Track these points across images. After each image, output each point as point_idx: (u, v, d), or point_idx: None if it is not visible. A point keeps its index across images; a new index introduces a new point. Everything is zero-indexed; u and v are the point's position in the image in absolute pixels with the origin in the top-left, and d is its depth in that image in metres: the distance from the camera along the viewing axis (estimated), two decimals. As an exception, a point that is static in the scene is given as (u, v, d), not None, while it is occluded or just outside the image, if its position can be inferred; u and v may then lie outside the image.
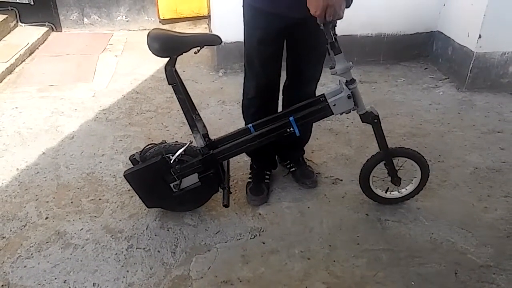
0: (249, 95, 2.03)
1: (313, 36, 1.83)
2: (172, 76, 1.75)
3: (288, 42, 1.92)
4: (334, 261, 1.82)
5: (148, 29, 1.71)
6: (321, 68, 2.02)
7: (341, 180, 2.31)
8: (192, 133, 1.87)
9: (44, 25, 4.53)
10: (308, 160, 2.42)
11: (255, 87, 1.99)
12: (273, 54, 1.90)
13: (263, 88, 1.99)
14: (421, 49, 3.78)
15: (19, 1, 4.38)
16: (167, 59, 1.73)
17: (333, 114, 1.82)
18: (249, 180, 2.24)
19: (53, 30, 4.61)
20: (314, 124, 2.68)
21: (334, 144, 2.63)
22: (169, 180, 1.92)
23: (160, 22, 4.73)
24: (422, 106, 3.08)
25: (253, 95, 2.01)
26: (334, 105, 1.80)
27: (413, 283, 1.72)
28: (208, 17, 4.67)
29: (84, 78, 3.58)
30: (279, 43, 1.90)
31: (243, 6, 1.87)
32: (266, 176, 2.26)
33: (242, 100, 2.11)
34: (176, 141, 2.02)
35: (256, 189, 2.18)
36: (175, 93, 1.80)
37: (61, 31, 4.65)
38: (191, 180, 1.94)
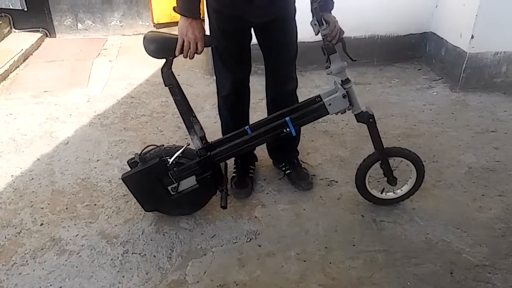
0: (223, 93, 2.10)
1: (283, 36, 1.95)
2: (168, 78, 1.76)
3: (259, 41, 2.00)
4: (330, 263, 1.83)
5: (142, 34, 1.73)
6: (295, 68, 2.09)
7: (337, 182, 2.31)
8: (189, 134, 1.88)
9: (38, 31, 4.53)
10: (304, 162, 2.42)
11: (229, 83, 2.05)
12: (238, 50, 1.98)
13: (235, 83, 2.06)
14: (414, 50, 3.80)
15: (12, 7, 4.37)
16: (163, 62, 1.75)
17: (328, 113, 1.85)
18: (234, 174, 2.29)
19: (47, 36, 4.60)
20: (309, 127, 2.70)
21: (329, 146, 2.63)
22: (167, 183, 1.92)
23: (154, 26, 4.73)
24: (416, 107, 3.10)
25: (227, 92, 2.08)
26: (330, 104, 1.83)
27: (409, 283, 1.73)
28: (202, 21, 4.67)
29: (79, 84, 3.57)
30: (239, 40, 1.96)
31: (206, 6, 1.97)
32: (250, 170, 2.31)
33: (217, 100, 2.19)
34: (175, 144, 2.02)
35: (241, 182, 2.23)
36: (172, 95, 1.81)
37: (55, 37, 4.65)
38: (189, 182, 1.94)
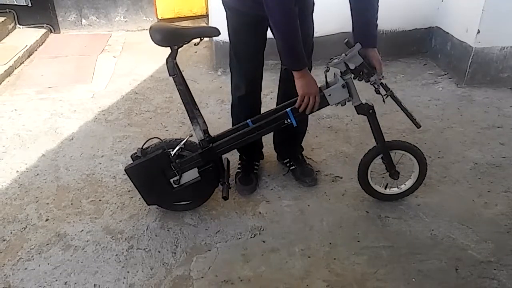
0: (239, 93, 2.09)
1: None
2: (172, 68, 1.79)
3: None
4: (334, 259, 1.82)
5: (146, 29, 1.74)
6: (311, 63, 2.06)
7: (341, 178, 2.31)
8: (192, 125, 1.89)
9: (42, 26, 4.52)
10: (308, 158, 2.42)
11: (244, 83, 2.05)
12: (256, 48, 1.98)
13: (251, 83, 2.06)
14: (420, 45, 3.77)
15: (17, 3, 4.37)
16: (167, 56, 1.76)
17: (329, 104, 1.86)
18: (238, 170, 2.29)
19: (51, 32, 4.60)
20: (313, 122, 2.70)
21: (333, 142, 2.62)
22: (169, 175, 1.93)
23: (158, 22, 4.72)
24: (421, 102, 3.08)
25: (243, 93, 2.07)
26: (330, 95, 1.84)
27: (414, 279, 1.72)
28: (206, 16, 4.67)
29: (83, 79, 3.57)
30: (256, 37, 1.95)
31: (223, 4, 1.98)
32: (255, 167, 2.30)
33: (232, 102, 2.17)
34: (176, 138, 2.02)
35: (246, 179, 2.23)
36: (176, 85, 1.83)
37: (59, 33, 4.64)
38: (191, 175, 1.95)
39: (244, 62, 2.01)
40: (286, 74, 2.11)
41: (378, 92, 1.84)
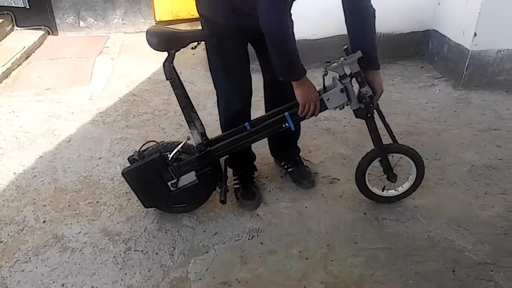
0: (234, 108, 1.99)
1: None
2: (170, 72, 1.78)
3: (254, 46, 1.95)
4: (332, 260, 1.83)
5: (144, 31, 1.73)
6: None
7: (339, 180, 2.31)
8: (190, 129, 1.89)
9: (40, 28, 4.53)
10: (305, 160, 2.42)
11: (240, 97, 1.98)
12: (244, 60, 1.93)
13: (247, 95, 2.02)
14: (417, 48, 3.79)
15: (15, 5, 4.37)
16: (165, 58, 1.76)
17: (327, 108, 1.86)
18: (237, 186, 2.20)
19: (49, 34, 4.60)
20: (311, 124, 2.71)
21: (331, 144, 2.63)
22: (167, 179, 1.93)
23: (156, 24, 4.72)
24: (418, 105, 3.09)
25: (239, 107, 1.98)
26: (328, 99, 1.84)
27: (411, 281, 1.73)
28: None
29: (81, 81, 3.57)
30: (241, 49, 1.91)
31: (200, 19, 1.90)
32: (254, 179, 2.25)
33: (225, 119, 2.07)
34: (173, 141, 2.02)
35: (248, 193, 2.16)
36: (173, 89, 1.82)
37: (57, 35, 4.64)
38: (189, 178, 1.95)
39: (236, 75, 1.93)
40: (268, 78, 2.08)
41: (366, 104, 1.84)
